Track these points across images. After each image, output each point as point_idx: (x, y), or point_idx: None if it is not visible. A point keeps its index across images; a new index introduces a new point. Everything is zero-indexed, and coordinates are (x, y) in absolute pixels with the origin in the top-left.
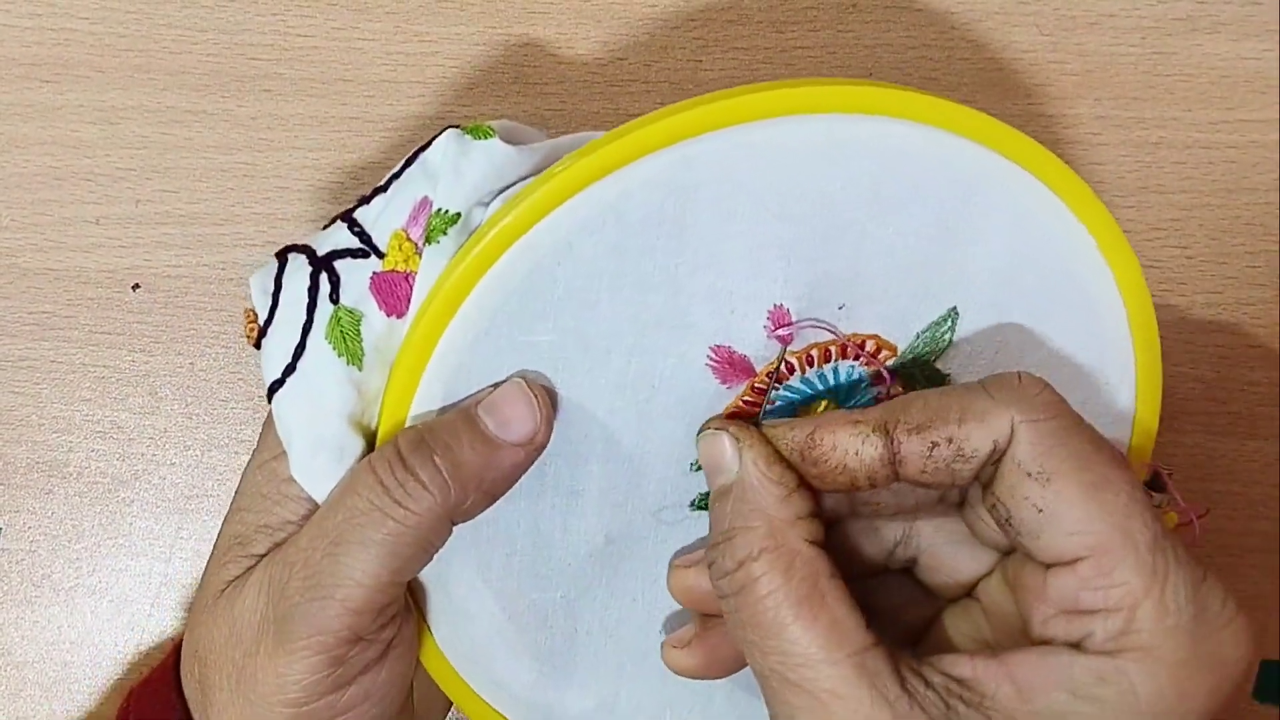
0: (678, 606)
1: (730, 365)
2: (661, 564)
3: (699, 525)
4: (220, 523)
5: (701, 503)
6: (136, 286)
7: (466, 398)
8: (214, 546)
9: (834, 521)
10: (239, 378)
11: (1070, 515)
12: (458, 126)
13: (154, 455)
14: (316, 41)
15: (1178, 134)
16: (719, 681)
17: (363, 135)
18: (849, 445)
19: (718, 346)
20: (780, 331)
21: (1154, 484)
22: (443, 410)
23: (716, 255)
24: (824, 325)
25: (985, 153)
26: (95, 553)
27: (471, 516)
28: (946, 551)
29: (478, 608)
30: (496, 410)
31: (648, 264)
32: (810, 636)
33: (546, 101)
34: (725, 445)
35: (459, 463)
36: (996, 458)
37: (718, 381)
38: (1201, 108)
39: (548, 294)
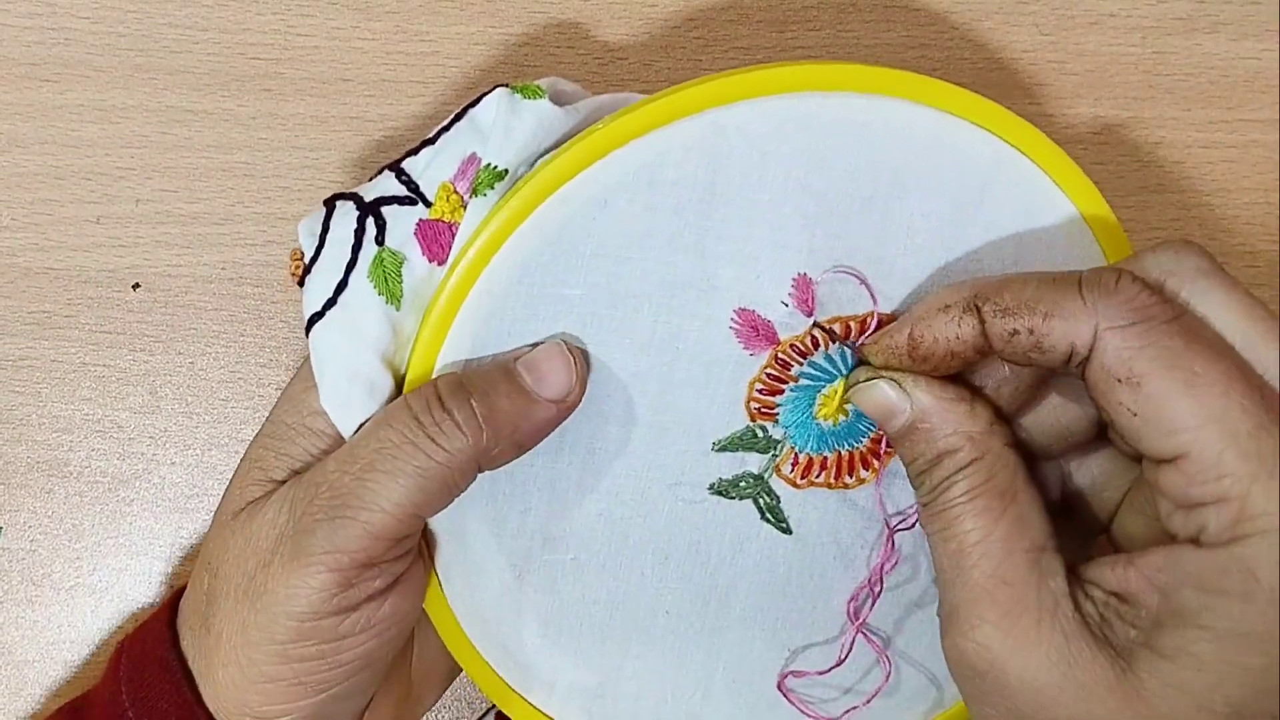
0: (686, 589)
1: (754, 330)
2: (673, 543)
3: (716, 511)
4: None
5: (720, 488)
6: (137, 286)
7: (499, 351)
8: (236, 470)
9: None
10: (239, 377)
11: (1164, 415)
12: (507, 85)
13: (154, 454)
14: (317, 41)
15: (1177, 134)
16: (719, 669)
17: (363, 135)
18: (947, 332)
19: (742, 309)
20: (820, 278)
21: None
22: (471, 357)
23: (744, 221)
24: (853, 272)
25: (1003, 146)
26: (95, 552)
27: (497, 465)
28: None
29: (489, 564)
30: (535, 366)
31: (678, 224)
32: (998, 528)
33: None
34: (885, 390)
35: (494, 410)
36: (1078, 361)
37: (741, 346)
38: (1201, 108)
39: (580, 248)
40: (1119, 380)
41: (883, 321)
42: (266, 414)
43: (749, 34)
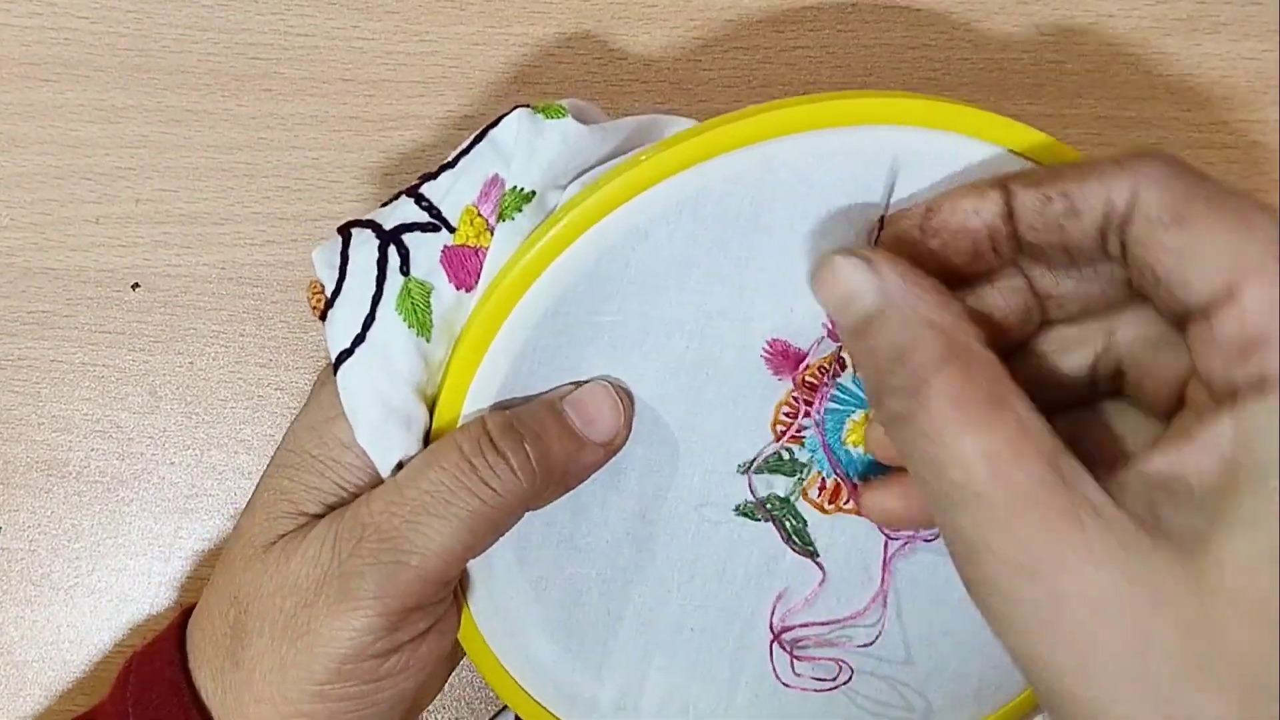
0: (712, 608)
1: (783, 358)
2: (700, 563)
3: (743, 532)
4: (219, 521)
5: (745, 509)
6: (136, 286)
7: (531, 382)
8: (253, 498)
9: (1025, 341)
10: (239, 377)
11: (1210, 249)
12: (528, 105)
13: (153, 455)
14: (317, 41)
15: (1178, 134)
16: (743, 685)
17: (363, 135)
18: (967, 204)
19: (774, 340)
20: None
21: None
22: (505, 387)
23: (785, 253)
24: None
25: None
26: (95, 552)
27: (542, 506)
28: (1150, 355)
29: (513, 577)
30: (582, 408)
31: (719, 256)
32: (1000, 438)
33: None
34: (845, 267)
35: (547, 453)
36: (1115, 225)
37: (769, 372)
38: (1202, 108)
39: (618, 277)
40: (1162, 223)
41: None
42: (268, 414)
43: (749, 34)
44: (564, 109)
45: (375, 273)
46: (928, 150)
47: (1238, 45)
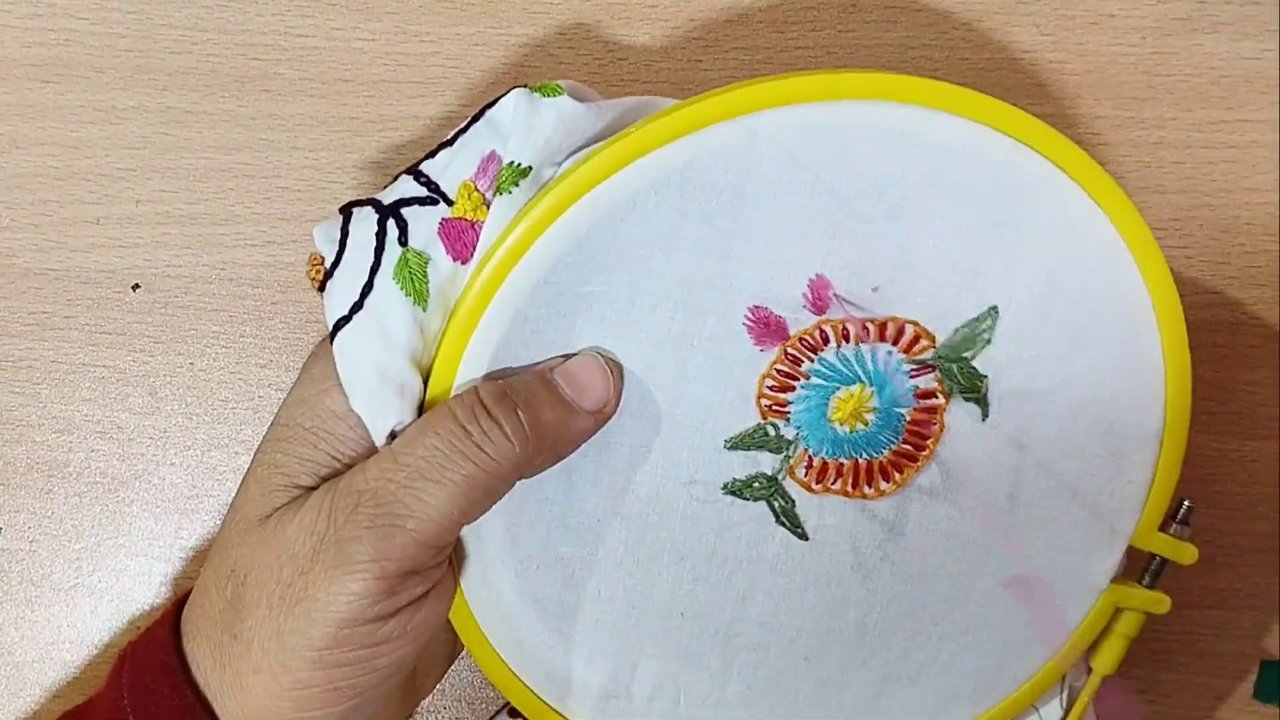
0: (703, 591)
1: (765, 326)
2: (690, 544)
3: (732, 512)
4: (219, 521)
5: (733, 488)
6: (136, 286)
7: (523, 351)
8: (247, 474)
9: None
10: (239, 378)
11: None
12: (525, 86)
13: (154, 455)
14: (316, 41)
15: (1178, 134)
16: (735, 674)
17: (363, 135)
18: None
19: (756, 306)
20: (835, 295)
21: (1180, 515)
22: (496, 356)
23: (769, 225)
24: (853, 303)
25: (1036, 158)
26: (95, 553)
27: (536, 473)
28: None
29: (504, 556)
30: (573, 378)
31: (705, 228)
32: None
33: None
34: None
35: (538, 420)
36: None
37: (752, 342)
38: (1201, 108)
39: (607, 248)
40: None
41: (903, 327)
42: (268, 415)
43: (749, 34)
44: (560, 88)
45: (374, 244)
46: (910, 127)
47: (1238, 45)
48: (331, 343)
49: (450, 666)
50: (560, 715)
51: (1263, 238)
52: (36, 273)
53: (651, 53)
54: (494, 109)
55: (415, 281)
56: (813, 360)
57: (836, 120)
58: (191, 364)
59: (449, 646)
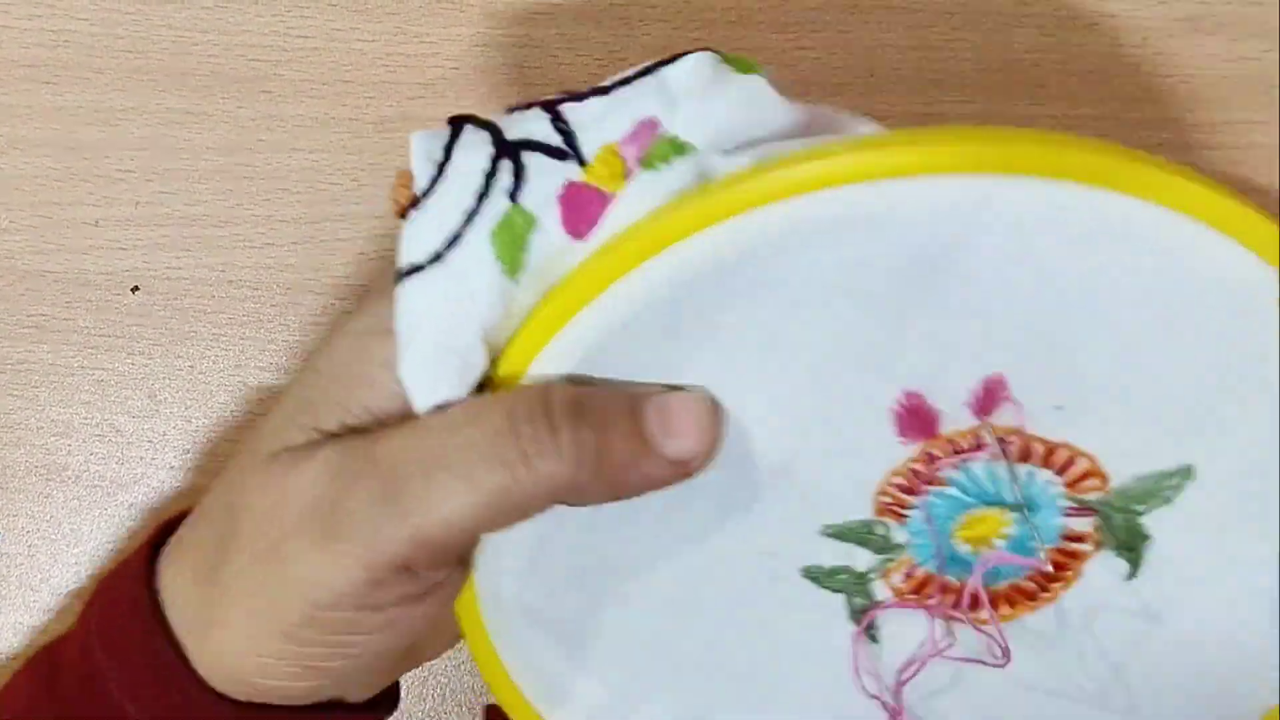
0: (739, 661)
1: (915, 416)
2: (742, 613)
3: (803, 596)
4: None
5: (813, 573)
6: (135, 289)
7: (618, 367)
8: (279, 400)
9: None
10: (239, 381)
11: None
12: (714, 50)
13: (153, 459)
14: (316, 43)
15: (1178, 135)
16: (722, 710)
17: (362, 136)
18: None
19: (911, 392)
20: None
21: None
22: (586, 360)
23: (964, 307)
24: (1029, 414)
25: None
26: (94, 557)
27: (580, 504)
28: None
29: (533, 568)
30: (668, 414)
31: (885, 288)
32: None
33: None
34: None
35: (606, 446)
36: None
37: (894, 431)
38: (1202, 109)
39: (758, 277)
40: None
41: (1074, 459)
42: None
43: (749, 35)
44: (757, 65)
45: (479, 186)
46: (1181, 249)
47: (1238, 45)
48: (397, 287)
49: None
50: None
51: None
52: (35, 275)
53: (651, 53)
54: (671, 67)
55: (514, 248)
56: (956, 469)
57: (1107, 216)
58: (191, 367)
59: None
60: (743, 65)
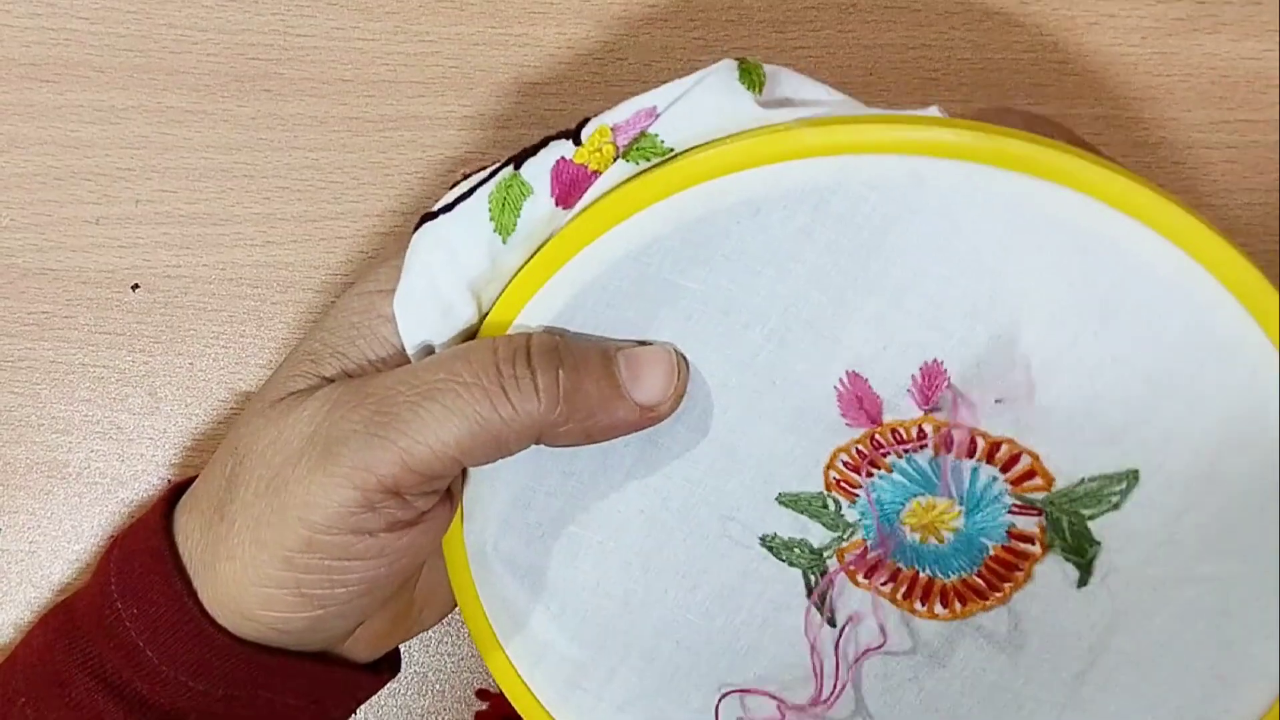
0: (705, 631)
1: (858, 401)
2: (706, 576)
3: (762, 566)
4: None
5: (771, 544)
6: (136, 287)
7: (590, 318)
8: (286, 357)
9: None
10: (239, 378)
11: None
12: (741, 61)
13: (154, 456)
14: (317, 41)
15: (1178, 134)
16: (693, 684)
17: (362, 135)
18: None
19: (854, 374)
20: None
21: None
22: (562, 315)
23: (901, 285)
24: (969, 407)
25: (1241, 314)
26: (95, 553)
27: (557, 444)
28: None
29: (515, 515)
30: (636, 364)
31: (828, 261)
32: None
33: (546, 101)
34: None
35: (578, 387)
36: None
37: (838, 412)
38: (1202, 108)
39: (715, 245)
40: None
41: (1019, 456)
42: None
43: (749, 34)
44: (762, 80)
45: (515, 154)
46: (1109, 234)
47: (1238, 45)
48: (414, 230)
49: (453, 609)
50: (528, 688)
51: (1263, 238)
52: (36, 273)
53: (651, 52)
54: (709, 70)
55: (506, 210)
56: (901, 457)
57: (1026, 200)
58: (191, 364)
59: (445, 590)
60: (750, 79)
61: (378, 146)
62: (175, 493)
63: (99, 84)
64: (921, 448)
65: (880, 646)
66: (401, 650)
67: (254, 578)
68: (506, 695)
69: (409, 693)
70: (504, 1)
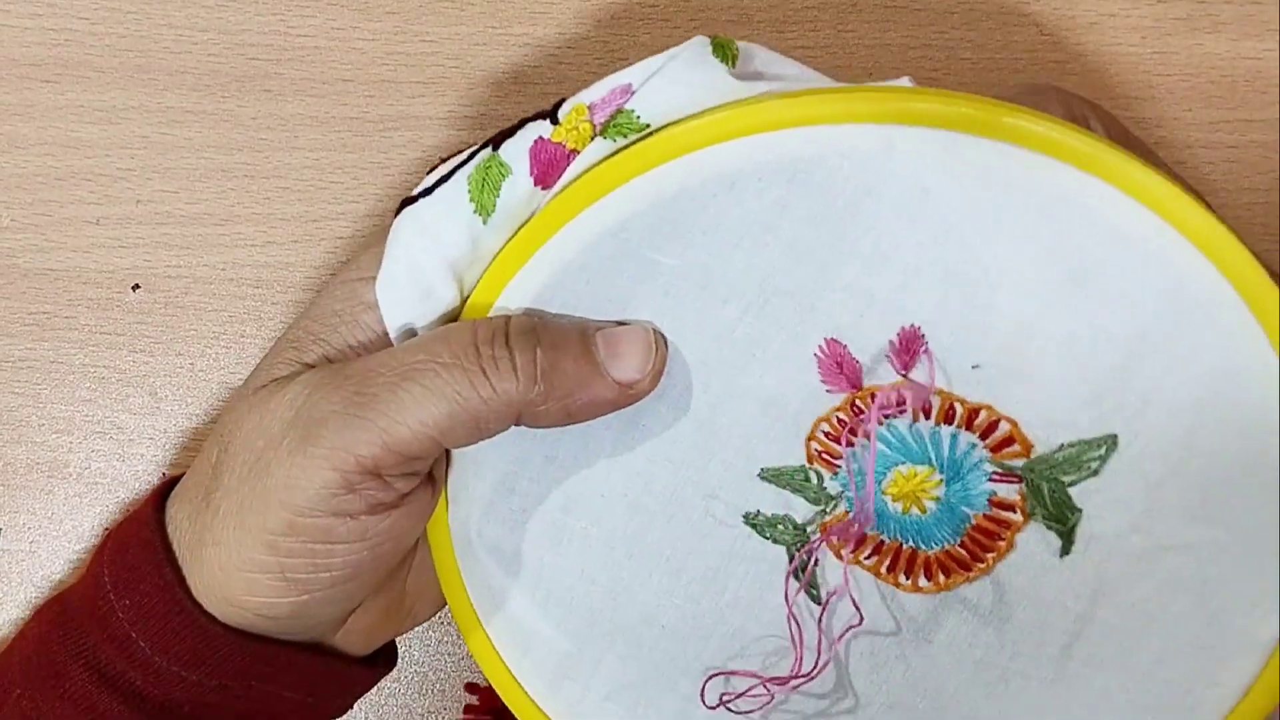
0: (690, 614)
1: (838, 366)
2: (690, 559)
3: (746, 545)
4: None
5: (754, 521)
6: (136, 287)
7: (571, 297)
8: (271, 348)
9: None
10: (239, 378)
11: None
12: (713, 37)
13: (154, 456)
14: (317, 41)
15: (1178, 134)
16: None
17: (363, 135)
18: None
19: (832, 340)
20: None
21: None
22: (540, 296)
23: (877, 253)
24: (946, 373)
25: (1219, 281)
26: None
27: (538, 425)
28: None
29: (499, 501)
30: (614, 343)
31: (805, 233)
32: None
33: (546, 101)
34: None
35: (556, 367)
36: None
37: (819, 379)
38: (1201, 108)
39: (691, 220)
40: None
41: (997, 423)
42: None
43: (749, 35)
44: (735, 54)
45: (484, 140)
46: (1080, 200)
47: (1238, 45)
48: (395, 215)
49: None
50: (514, 677)
51: (1263, 238)
52: (36, 273)
53: (651, 52)
54: (683, 46)
55: (486, 191)
56: (881, 424)
57: (998, 165)
58: (192, 365)
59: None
60: (723, 52)
61: (378, 146)
62: (169, 486)
63: (99, 84)
64: (901, 413)
65: (860, 623)
66: (402, 650)
67: (238, 562)
68: (491, 682)
69: (409, 692)
70: (504, 1)
